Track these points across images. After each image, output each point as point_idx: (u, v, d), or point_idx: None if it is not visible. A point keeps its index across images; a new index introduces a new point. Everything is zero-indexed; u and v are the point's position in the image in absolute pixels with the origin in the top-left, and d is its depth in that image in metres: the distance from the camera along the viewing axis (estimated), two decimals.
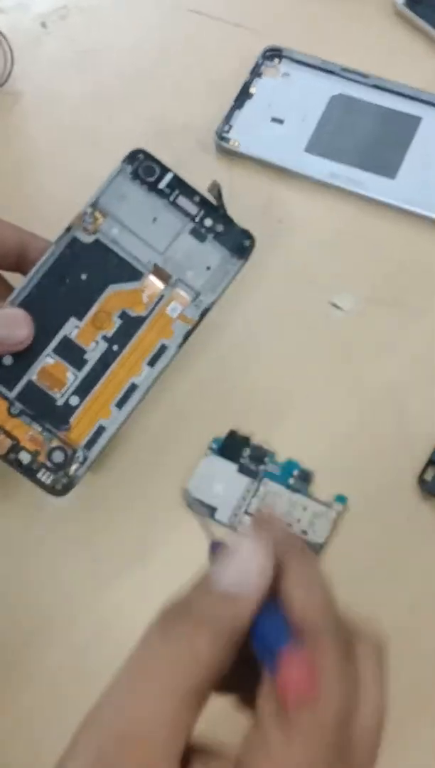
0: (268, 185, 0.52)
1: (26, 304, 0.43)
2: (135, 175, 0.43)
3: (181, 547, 0.44)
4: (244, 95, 0.53)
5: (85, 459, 0.42)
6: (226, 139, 0.52)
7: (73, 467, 0.42)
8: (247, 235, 0.44)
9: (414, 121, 0.52)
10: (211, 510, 0.44)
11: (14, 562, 0.45)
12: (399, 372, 0.47)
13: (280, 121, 0.53)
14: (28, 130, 0.55)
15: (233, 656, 0.28)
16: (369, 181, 0.51)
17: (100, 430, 0.42)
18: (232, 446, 0.46)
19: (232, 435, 0.46)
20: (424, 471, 0.44)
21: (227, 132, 0.53)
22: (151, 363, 0.43)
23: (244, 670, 0.29)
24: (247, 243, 0.44)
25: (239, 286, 0.49)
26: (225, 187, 0.50)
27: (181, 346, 0.43)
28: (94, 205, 0.43)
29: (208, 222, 0.44)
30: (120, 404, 0.43)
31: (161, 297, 0.43)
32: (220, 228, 0.44)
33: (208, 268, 0.43)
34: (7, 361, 0.42)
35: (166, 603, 0.29)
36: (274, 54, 0.54)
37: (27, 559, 0.45)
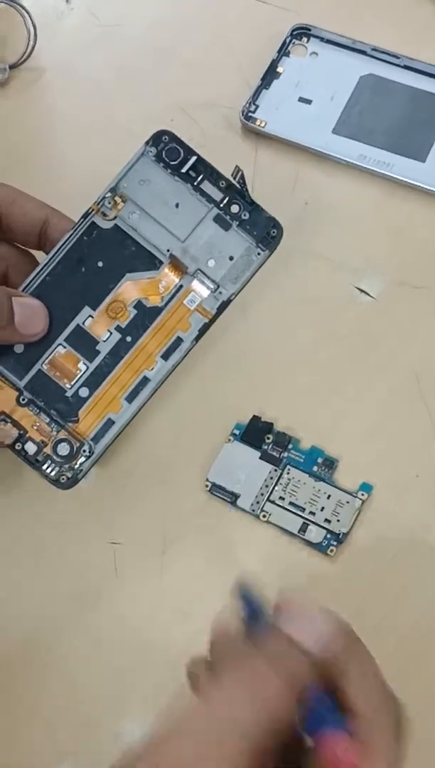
0: (295, 166, 0.50)
1: (41, 291, 0.42)
2: (158, 158, 0.42)
3: (201, 534, 0.44)
4: (271, 74, 0.52)
5: (91, 453, 0.41)
6: (253, 119, 0.51)
7: (79, 461, 0.41)
8: (274, 223, 0.42)
9: None
10: (234, 497, 0.43)
11: (32, 546, 0.45)
12: (426, 357, 0.46)
13: (308, 101, 0.52)
14: (50, 106, 0.54)
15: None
16: (398, 164, 0.49)
17: (109, 423, 0.41)
18: (254, 432, 0.44)
19: (255, 421, 0.45)
20: None
21: (253, 111, 0.51)
22: (165, 356, 0.41)
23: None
24: (273, 232, 0.42)
25: (264, 269, 0.48)
26: (250, 167, 0.50)
27: (197, 339, 0.41)
28: (114, 189, 0.42)
29: (234, 209, 0.42)
30: (130, 398, 0.41)
31: (179, 287, 0.42)
32: (245, 215, 0.42)
33: (231, 258, 0.42)
34: (18, 348, 0.41)
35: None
36: (302, 32, 0.53)
37: (44, 544, 0.45)
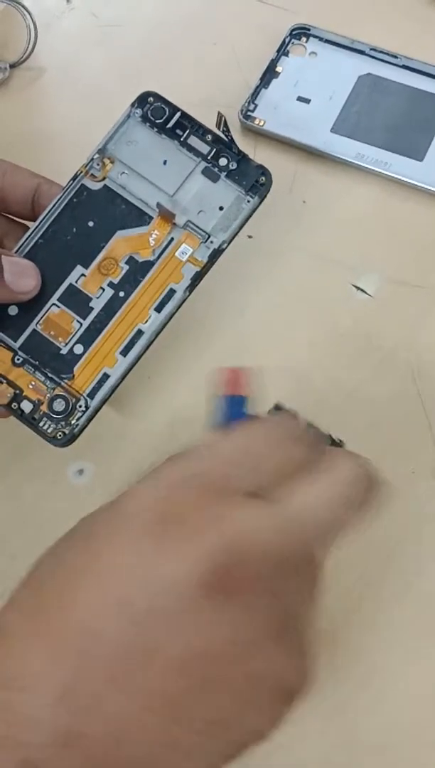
0: (293, 165, 0.51)
1: (33, 253, 0.42)
2: (145, 119, 0.42)
3: None
4: (270, 73, 0.52)
5: (87, 407, 0.41)
6: (252, 118, 0.51)
7: (76, 416, 0.41)
8: (262, 171, 0.42)
9: None
10: None
11: (26, 543, 0.45)
12: (422, 354, 0.46)
13: (307, 101, 0.52)
14: (50, 105, 0.54)
15: None
16: (396, 163, 0.50)
17: (104, 378, 0.41)
18: None
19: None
20: None
21: (252, 110, 0.52)
22: (159, 309, 0.42)
23: None
24: (262, 180, 0.42)
25: (261, 266, 0.48)
26: None
27: (189, 289, 0.42)
28: (102, 151, 0.43)
29: (222, 161, 0.42)
30: (125, 352, 0.42)
31: (171, 240, 0.42)
32: (233, 166, 0.42)
33: (221, 208, 0.42)
34: (13, 311, 0.42)
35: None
36: (301, 32, 0.53)
37: (39, 540, 0.45)
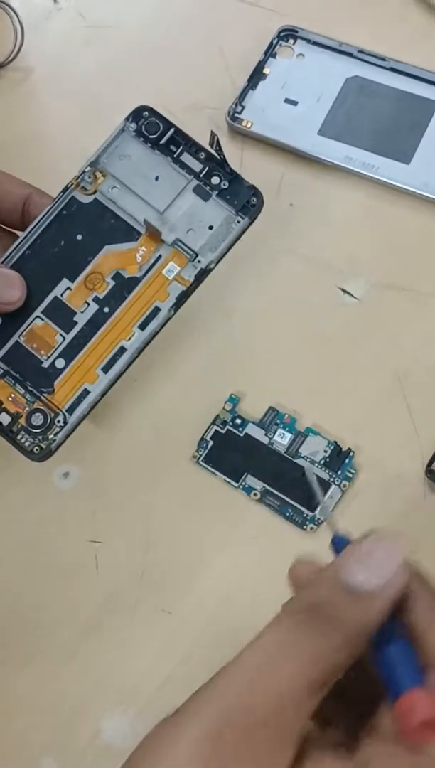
0: (280, 167, 0.51)
1: (20, 264, 0.42)
2: (138, 133, 0.42)
3: (187, 532, 0.44)
4: (257, 75, 0.52)
5: (65, 423, 0.41)
6: (239, 120, 0.51)
7: (53, 431, 0.41)
8: (254, 192, 0.42)
9: (431, 106, 0.51)
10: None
11: (11, 546, 0.45)
12: (409, 358, 0.46)
13: (294, 103, 0.52)
14: (38, 106, 0.54)
15: (357, 656, 0.27)
16: (383, 166, 0.50)
17: (84, 394, 0.41)
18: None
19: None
20: (432, 461, 0.43)
21: (240, 112, 0.52)
22: (143, 326, 0.41)
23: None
24: (253, 201, 0.42)
25: (248, 270, 0.48)
26: (236, 168, 0.50)
27: (174, 308, 0.41)
28: (94, 164, 0.42)
29: (214, 180, 0.42)
30: (106, 368, 0.41)
31: (158, 257, 0.42)
32: (225, 185, 0.42)
33: (211, 227, 0.42)
34: None
35: (296, 594, 0.29)
36: (289, 34, 0.53)
37: (25, 543, 0.45)
